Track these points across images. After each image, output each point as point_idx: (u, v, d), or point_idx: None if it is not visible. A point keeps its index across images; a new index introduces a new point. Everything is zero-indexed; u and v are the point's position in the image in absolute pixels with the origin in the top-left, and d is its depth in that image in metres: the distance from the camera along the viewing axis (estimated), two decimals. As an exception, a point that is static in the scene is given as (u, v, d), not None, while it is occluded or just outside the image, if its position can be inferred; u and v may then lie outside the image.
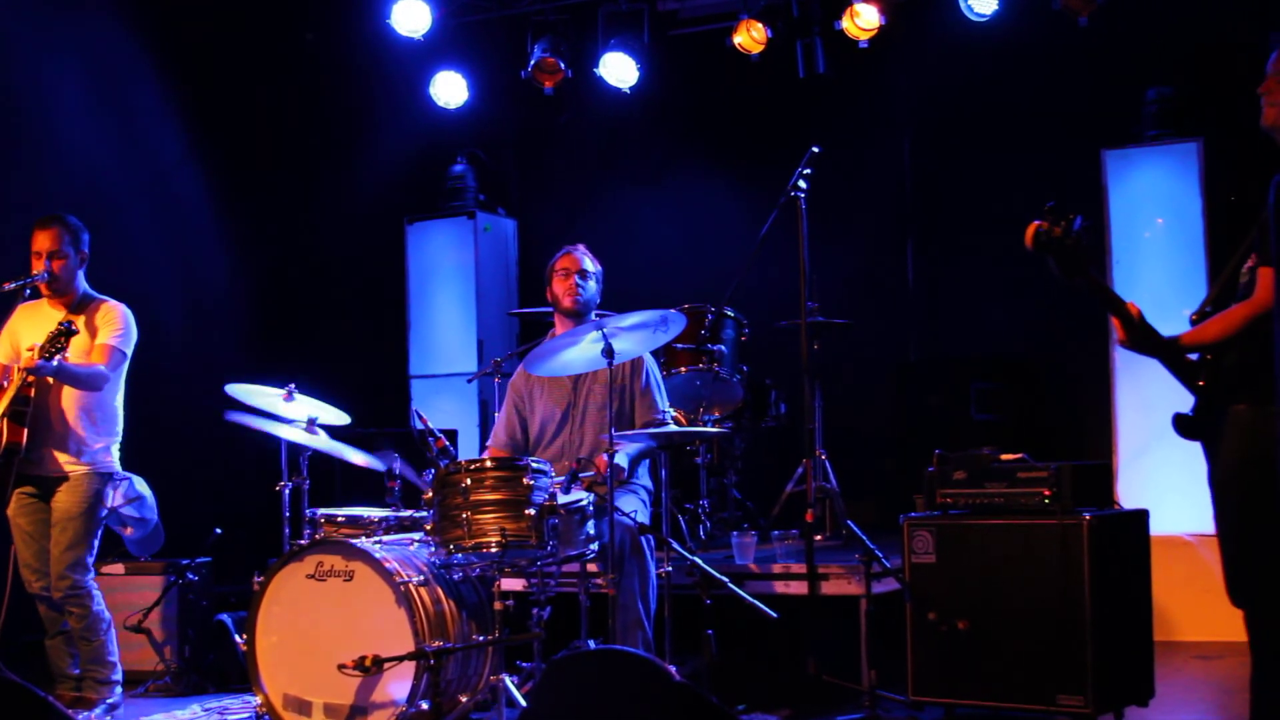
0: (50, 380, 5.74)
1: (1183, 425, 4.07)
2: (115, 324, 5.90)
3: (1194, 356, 4.07)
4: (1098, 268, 3.99)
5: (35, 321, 5.95)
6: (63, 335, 5.55)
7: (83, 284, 6.00)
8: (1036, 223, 3.82)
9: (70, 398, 5.85)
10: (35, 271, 5.87)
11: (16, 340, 5.98)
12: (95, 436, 5.92)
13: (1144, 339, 3.99)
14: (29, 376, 5.63)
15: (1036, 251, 3.83)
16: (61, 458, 5.85)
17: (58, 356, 5.58)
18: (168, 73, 8.51)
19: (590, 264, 6.09)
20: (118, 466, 6.03)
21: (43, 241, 5.89)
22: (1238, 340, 3.87)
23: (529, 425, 6.13)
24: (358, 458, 5.88)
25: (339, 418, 5.96)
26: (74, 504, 5.84)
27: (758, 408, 7.46)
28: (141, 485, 6.59)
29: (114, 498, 6.22)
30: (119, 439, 6.03)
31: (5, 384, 5.85)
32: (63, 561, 5.80)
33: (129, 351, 5.97)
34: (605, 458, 5.35)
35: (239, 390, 5.82)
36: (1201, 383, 3.99)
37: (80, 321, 5.77)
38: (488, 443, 6.28)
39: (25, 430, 5.73)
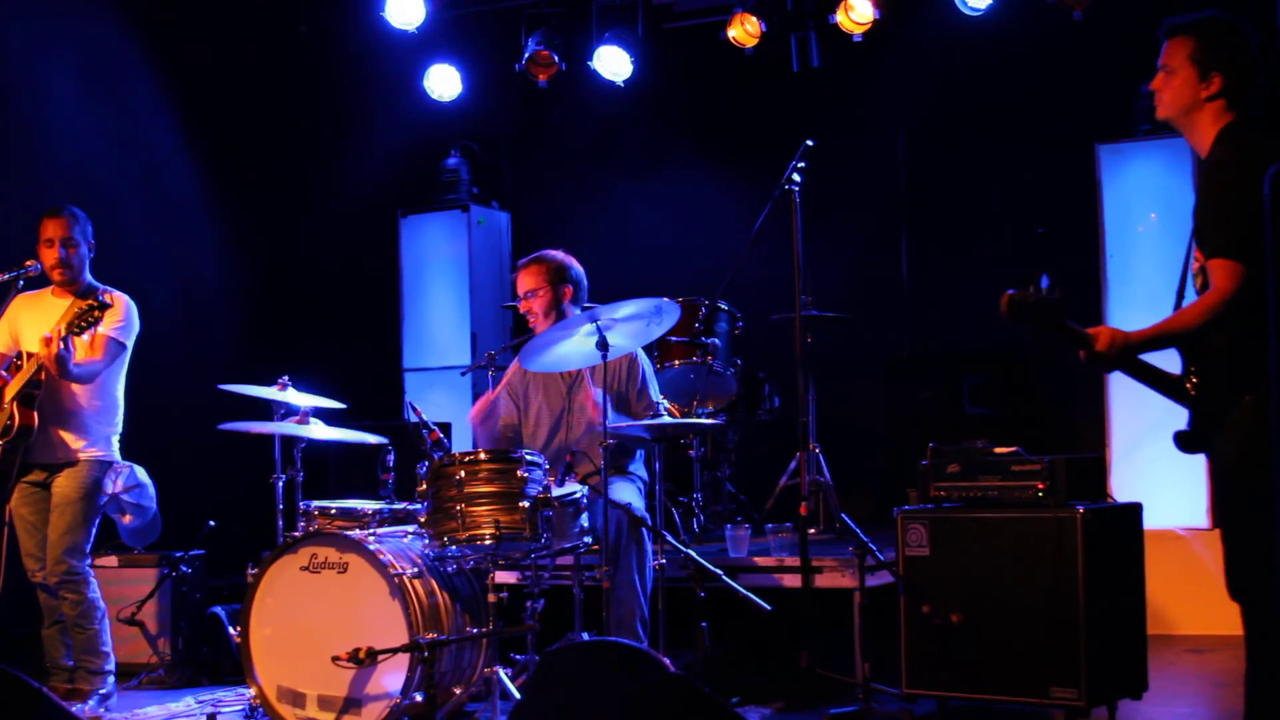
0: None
1: (1185, 441, 4.01)
2: (117, 315, 5.90)
3: (1178, 371, 4.04)
4: (1072, 317, 3.94)
5: (39, 311, 5.97)
6: (96, 309, 5.55)
7: (89, 274, 6.03)
8: (1009, 292, 3.81)
9: (75, 385, 5.86)
10: (29, 263, 5.87)
11: (17, 329, 6.00)
12: (98, 424, 5.95)
13: (1126, 364, 3.96)
14: (44, 358, 5.61)
15: (1014, 321, 3.82)
16: (65, 444, 5.89)
17: (88, 331, 5.58)
18: (160, 66, 8.51)
19: (531, 279, 5.98)
20: (118, 455, 6.06)
21: (55, 229, 5.89)
22: (1218, 330, 3.84)
23: (522, 421, 6.12)
24: (359, 436, 5.87)
25: (335, 404, 5.96)
26: (73, 489, 5.87)
27: (751, 401, 7.46)
28: (141, 474, 6.60)
29: (114, 485, 6.24)
30: (119, 428, 6.05)
31: (3, 373, 5.88)
32: (60, 546, 5.82)
33: (128, 343, 5.98)
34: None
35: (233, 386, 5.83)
36: (1194, 392, 3.94)
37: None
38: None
39: (35, 414, 5.75)
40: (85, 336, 5.67)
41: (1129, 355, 3.92)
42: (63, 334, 5.55)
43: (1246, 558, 3.86)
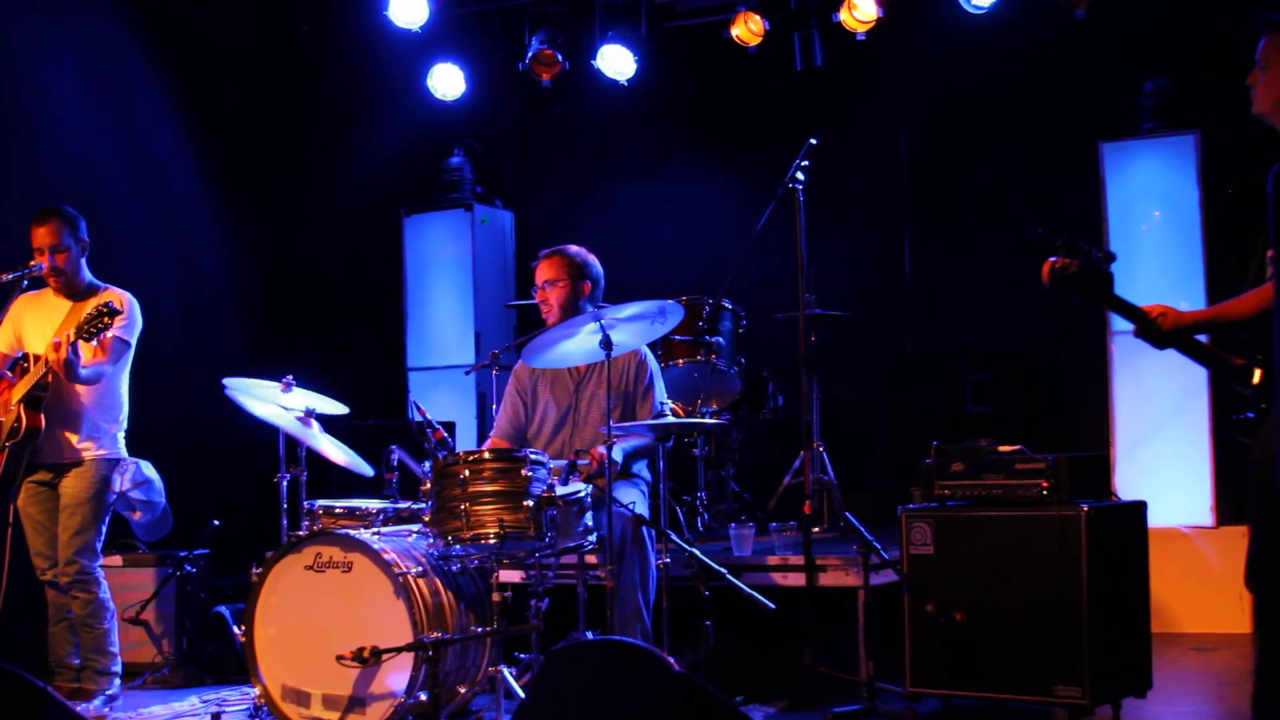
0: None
1: (1243, 428, 4.01)
2: (122, 314, 5.88)
3: (1244, 359, 4.04)
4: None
5: (41, 312, 5.97)
6: (106, 315, 5.55)
7: (87, 272, 6.01)
8: (1051, 260, 3.80)
9: (79, 385, 5.86)
10: (33, 263, 5.87)
11: (20, 329, 6.00)
12: (104, 422, 5.96)
13: (1180, 342, 3.97)
14: (51, 361, 5.61)
15: (1054, 289, 3.81)
16: (72, 443, 5.89)
17: (98, 338, 5.58)
18: (163, 64, 8.51)
19: (552, 270, 6.01)
20: (124, 451, 6.06)
21: (43, 237, 5.89)
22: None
23: (528, 418, 6.13)
24: (339, 456, 5.84)
25: (337, 408, 5.96)
26: (82, 489, 5.87)
27: (755, 400, 7.46)
28: (149, 469, 6.60)
29: (122, 482, 6.23)
30: (125, 424, 6.06)
31: (6, 374, 5.88)
32: (71, 546, 5.83)
33: (132, 340, 5.98)
34: (600, 449, 5.36)
35: (236, 383, 5.83)
36: (1257, 381, 3.94)
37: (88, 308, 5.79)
38: (490, 433, 6.27)
39: (42, 416, 5.76)
40: (85, 349, 5.67)
41: (1183, 335, 3.97)
42: (72, 339, 5.55)
43: (1266, 552, 3.85)
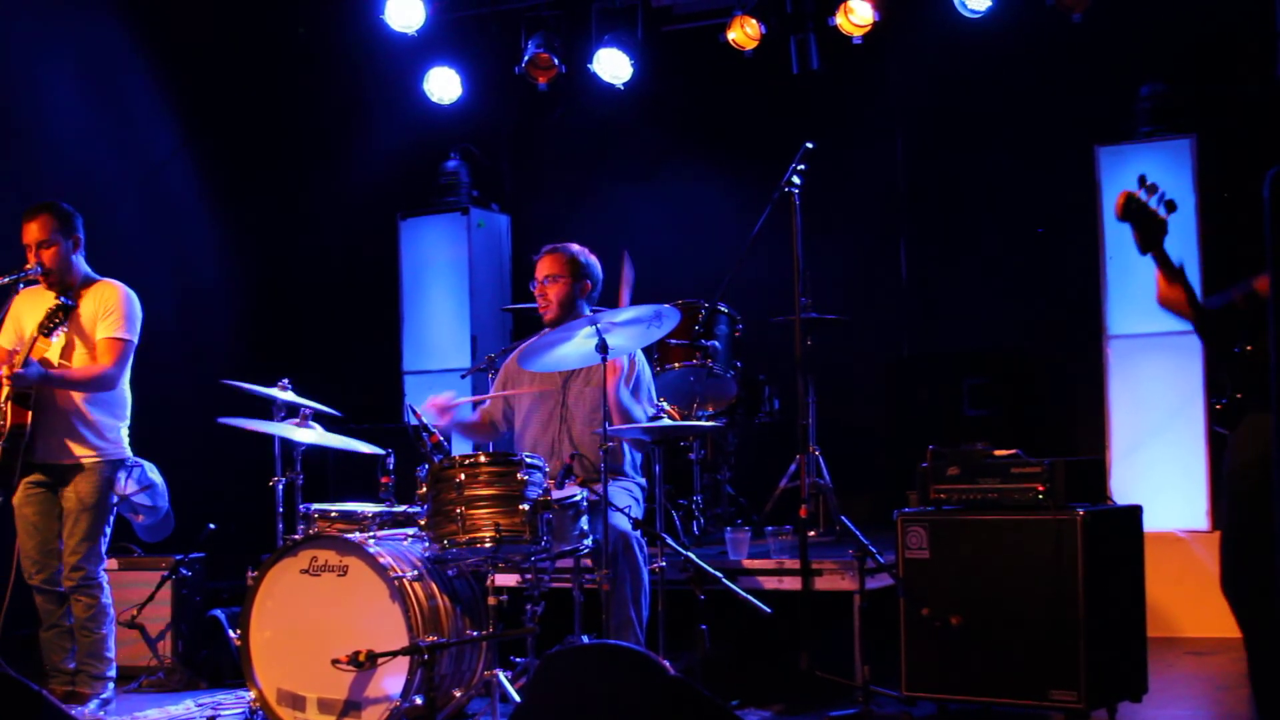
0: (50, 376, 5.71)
1: (1220, 417, 4.05)
2: (118, 312, 5.85)
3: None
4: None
5: (35, 305, 5.90)
6: (60, 311, 5.53)
7: (82, 267, 5.97)
8: (1131, 190, 3.86)
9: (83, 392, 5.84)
10: (29, 266, 5.86)
11: (20, 325, 5.96)
12: (106, 421, 5.89)
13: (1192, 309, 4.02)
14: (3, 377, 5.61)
15: (1125, 219, 3.87)
16: (74, 445, 5.83)
17: (56, 331, 5.56)
18: (161, 67, 8.52)
19: (554, 265, 6.01)
20: (128, 451, 6.01)
21: (31, 233, 5.86)
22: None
23: (513, 415, 6.12)
24: (361, 446, 5.87)
25: (332, 415, 5.96)
26: (87, 494, 5.82)
27: (751, 403, 7.46)
28: (153, 473, 6.59)
29: (127, 484, 6.21)
30: (128, 422, 6.01)
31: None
32: (78, 552, 5.79)
33: (133, 337, 5.91)
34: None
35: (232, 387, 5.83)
36: (1243, 380, 3.96)
37: (81, 303, 5.77)
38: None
39: (30, 413, 5.71)
40: (81, 345, 5.65)
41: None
42: (16, 367, 5.54)
43: (1240, 560, 3.87)
